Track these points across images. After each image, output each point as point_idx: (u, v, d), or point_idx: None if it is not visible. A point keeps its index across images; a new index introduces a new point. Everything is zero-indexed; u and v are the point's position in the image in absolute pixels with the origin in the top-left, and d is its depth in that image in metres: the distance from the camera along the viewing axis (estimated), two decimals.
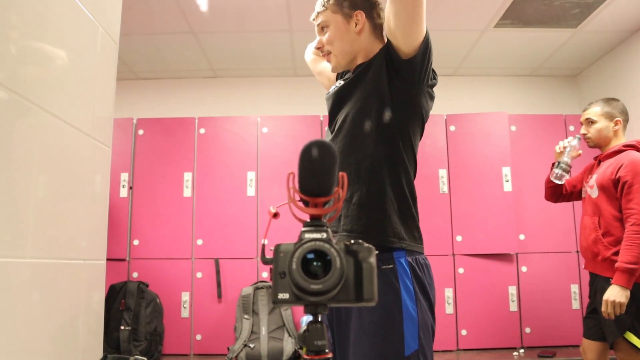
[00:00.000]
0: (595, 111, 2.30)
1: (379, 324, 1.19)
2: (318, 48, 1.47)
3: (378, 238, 1.23)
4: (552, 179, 2.36)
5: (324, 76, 1.73)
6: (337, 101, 1.42)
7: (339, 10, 1.40)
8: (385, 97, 1.30)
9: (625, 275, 1.98)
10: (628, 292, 1.98)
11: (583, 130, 2.33)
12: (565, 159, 2.32)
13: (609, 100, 2.30)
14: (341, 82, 1.46)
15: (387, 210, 1.26)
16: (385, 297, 1.17)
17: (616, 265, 2.01)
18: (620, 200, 2.09)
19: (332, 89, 1.48)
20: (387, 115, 1.30)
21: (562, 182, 2.35)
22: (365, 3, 1.41)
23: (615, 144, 2.24)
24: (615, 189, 2.11)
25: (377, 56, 1.35)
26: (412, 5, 1.20)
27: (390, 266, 1.23)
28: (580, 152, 2.32)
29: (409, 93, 1.31)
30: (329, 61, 1.46)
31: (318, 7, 1.45)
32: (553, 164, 2.40)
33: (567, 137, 2.51)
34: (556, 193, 2.46)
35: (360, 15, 1.39)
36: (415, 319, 1.20)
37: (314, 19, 1.47)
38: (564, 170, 2.31)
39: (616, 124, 2.25)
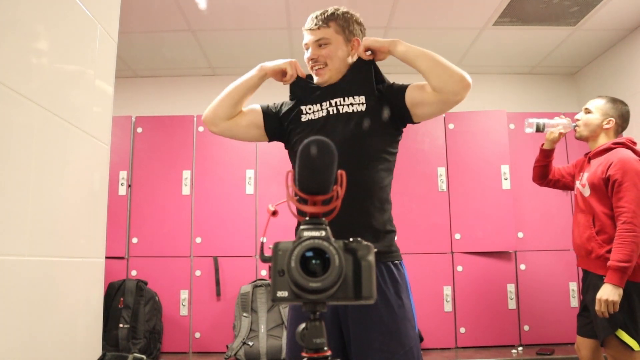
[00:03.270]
0: (596, 103, 2.29)
1: (407, 304, 1.42)
2: (312, 59, 1.55)
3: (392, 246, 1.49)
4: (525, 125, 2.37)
5: (252, 125, 1.74)
6: (349, 124, 1.49)
7: (342, 32, 1.54)
8: (393, 137, 1.54)
9: (618, 273, 1.98)
10: (621, 291, 1.98)
11: (577, 116, 2.33)
12: (549, 121, 2.32)
13: (615, 100, 2.28)
14: (351, 106, 1.52)
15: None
16: (406, 285, 1.45)
17: (608, 264, 2.00)
18: (611, 199, 2.09)
19: (330, 110, 1.53)
20: (394, 148, 1.55)
21: (526, 128, 2.34)
22: (361, 32, 1.58)
23: (604, 142, 2.23)
24: (606, 188, 2.11)
25: (383, 97, 1.53)
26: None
27: (400, 261, 1.49)
28: (562, 131, 2.31)
29: (397, 142, 1.56)
30: (319, 74, 1.55)
31: (319, 21, 1.53)
32: (542, 144, 2.41)
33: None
34: (541, 174, 2.46)
35: (357, 42, 1.56)
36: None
37: (310, 29, 1.54)
38: (537, 124, 2.30)
39: (608, 122, 2.23)
